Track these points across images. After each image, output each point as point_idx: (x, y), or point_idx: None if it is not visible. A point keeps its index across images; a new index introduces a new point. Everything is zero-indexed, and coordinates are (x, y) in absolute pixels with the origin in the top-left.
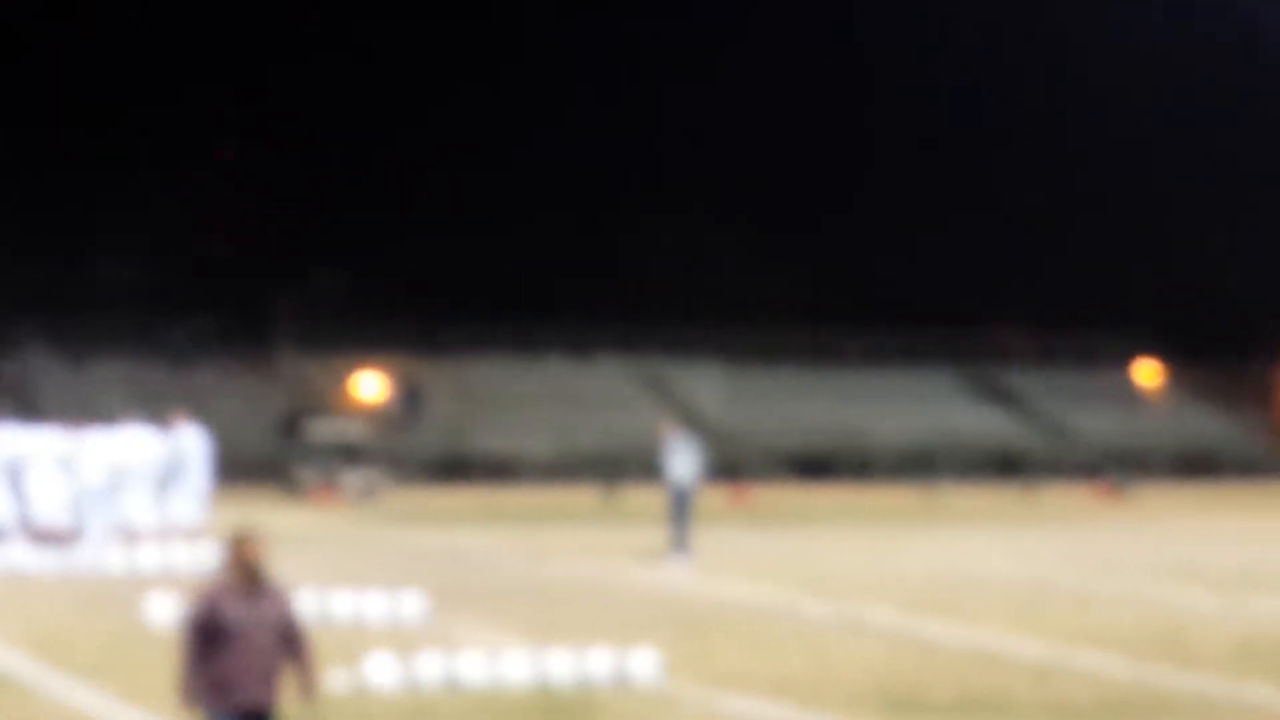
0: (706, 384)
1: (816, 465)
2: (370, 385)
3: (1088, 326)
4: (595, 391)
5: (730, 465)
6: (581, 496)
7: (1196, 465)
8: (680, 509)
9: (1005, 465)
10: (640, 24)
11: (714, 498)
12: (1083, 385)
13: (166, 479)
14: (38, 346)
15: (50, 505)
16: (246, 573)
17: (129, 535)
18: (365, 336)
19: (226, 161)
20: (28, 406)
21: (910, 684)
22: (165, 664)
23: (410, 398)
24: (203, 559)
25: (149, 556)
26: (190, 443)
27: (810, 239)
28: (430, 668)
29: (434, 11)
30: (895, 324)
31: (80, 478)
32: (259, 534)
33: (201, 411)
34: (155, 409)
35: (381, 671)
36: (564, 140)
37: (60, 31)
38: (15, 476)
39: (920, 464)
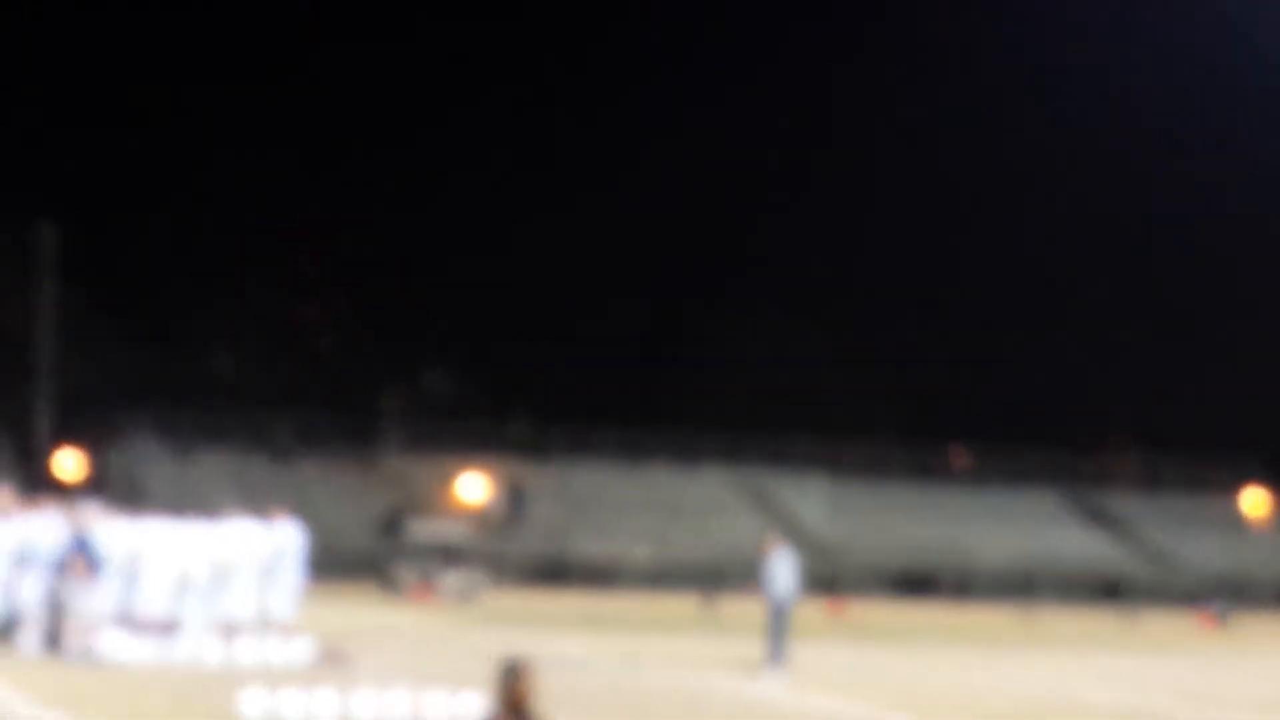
0: (809, 497)
1: (916, 582)
2: (473, 486)
3: (1195, 453)
4: (697, 500)
5: (829, 579)
6: (680, 604)
7: None
8: (779, 621)
9: (1107, 589)
10: (740, 141)
11: (812, 611)
12: (1188, 511)
13: (265, 574)
14: (146, 438)
15: (153, 596)
16: (514, 705)
17: (227, 629)
18: (470, 438)
19: (337, 262)
20: (135, 496)
21: None
22: None
23: (512, 500)
24: (296, 654)
25: (246, 650)
26: (289, 538)
27: (918, 356)
28: None
29: (535, 126)
30: (1001, 443)
31: (184, 569)
32: (529, 667)
33: (304, 507)
34: (258, 502)
35: None
36: (672, 256)
37: (171, 129)
38: (122, 566)
39: (1021, 585)
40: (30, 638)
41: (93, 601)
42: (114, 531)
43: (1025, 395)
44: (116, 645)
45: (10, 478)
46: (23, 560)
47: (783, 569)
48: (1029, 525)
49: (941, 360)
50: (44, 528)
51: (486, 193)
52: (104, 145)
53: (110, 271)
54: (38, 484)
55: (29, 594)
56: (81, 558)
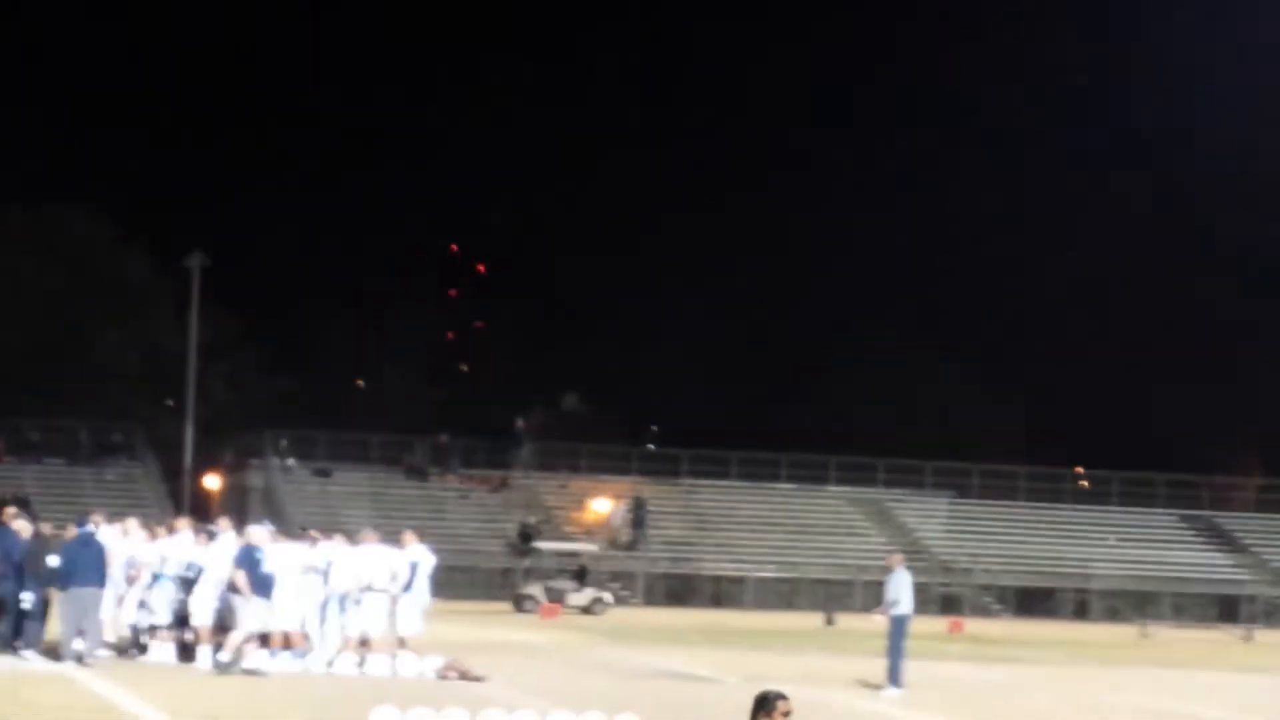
0: (931, 516)
1: (1035, 600)
2: (602, 506)
3: None
4: (821, 519)
5: (950, 597)
6: (803, 621)
7: None
8: (899, 639)
9: (1224, 609)
10: (872, 176)
11: (932, 629)
12: None
13: (397, 593)
14: (286, 458)
15: (291, 612)
16: None
17: (361, 645)
18: (601, 458)
19: (476, 286)
20: (275, 514)
21: None
22: None
23: (641, 519)
24: (425, 669)
25: (378, 667)
26: (419, 559)
27: (1041, 378)
28: None
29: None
30: (1122, 465)
31: (322, 587)
32: (787, 702)
33: (439, 525)
34: (395, 521)
35: None
36: (803, 282)
37: (316, 161)
38: (263, 583)
39: (1139, 603)
40: (168, 650)
41: (251, 617)
42: (272, 552)
43: (1147, 417)
44: (255, 660)
45: (158, 498)
46: (177, 577)
47: (903, 587)
48: (1147, 544)
49: (1064, 382)
50: (210, 546)
51: (620, 217)
52: (253, 176)
53: (253, 298)
54: (183, 504)
55: (163, 607)
56: (246, 574)
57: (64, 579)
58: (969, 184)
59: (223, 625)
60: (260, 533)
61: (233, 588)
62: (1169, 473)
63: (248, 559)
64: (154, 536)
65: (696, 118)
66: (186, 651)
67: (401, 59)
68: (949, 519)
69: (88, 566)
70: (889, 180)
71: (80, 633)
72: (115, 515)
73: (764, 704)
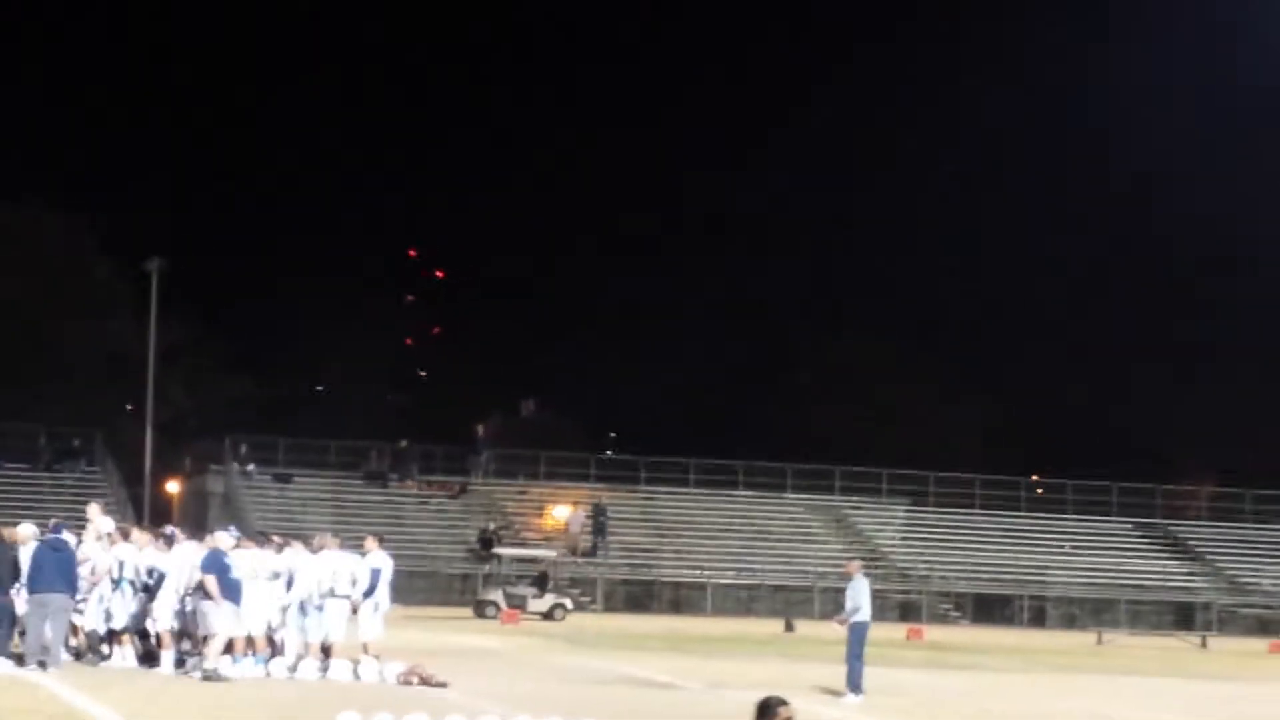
0: (889, 524)
1: (992, 606)
2: (561, 512)
3: (1269, 483)
4: (780, 526)
5: (908, 604)
6: (763, 627)
7: None
8: (858, 645)
9: (1180, 616)
10: (816, 175)
11: (891, 635)
12: (1261, 540)
13: (358, 598)
14: (245, 463)
15: (254, 617)
16: None
17: (323, 651)
18: (560, 465)
19: (434, 293)
20: (235, 519)
21: None
22: None
23: (600, 525)
24: (387, 675)
25: (340, 672)
26: (380, 565)
27: (997, 387)
28: None
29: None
30: (1078, 473)
31: (284, 592)
32: (788, 708)
33: (398, 531)
34: (354, 526)
35: None
36: (763, 291)
37: (272, 168)
38: (233, 588)
39: (1095, 611)
40: (129, 655)
41: (224, 623)
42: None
43: (1102, 426)
44: (218, 665)
45: (118, 503)
46: (137, 582)
47: (863, 594)
48: (1104, 553)
49: (1020, 391)
50: (170, 551)
51: (575, 221)
52: (212, 180)
53: (213, 302)
54: (143, 509)
55: (123, 612)
56: (213, 579)
57: (31, 583)
58: (928, 189)
59: (184, 631)
60: (226, 538)
61: (204, 593)
62: (1124, 481)
63: (217, 564)
64: (112, 542)
65: (654, 114)
66: (149, 657)
67: (359, 66)
68: (906, 526)
69: (55, 572)
70: (845, 184)
71: (44, 638)
72: (76, 521)
73: (766, 711)
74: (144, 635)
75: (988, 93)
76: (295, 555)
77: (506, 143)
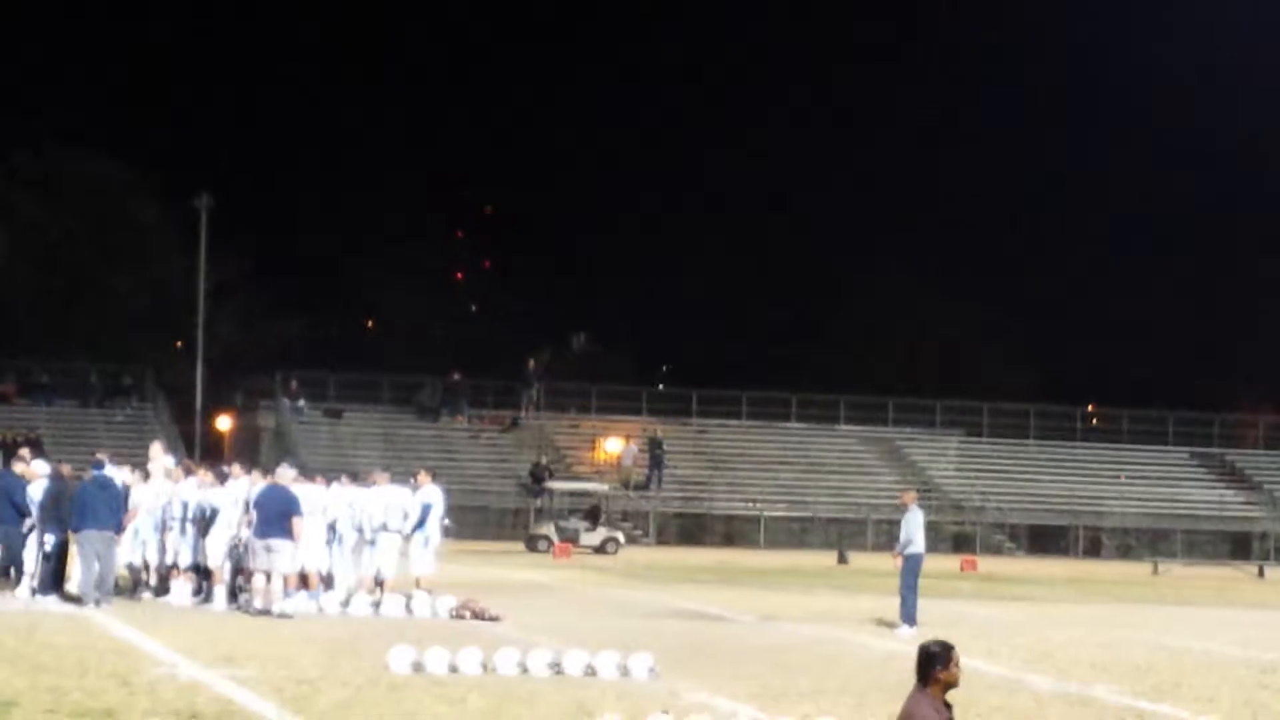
0: (943, 455)
1: (1047, 538)
2: (613, 446)
3: None
4: (834, 458)
5: (962, 536)
6: (816, 560)
7: None
8: (913, 578)
9: (1236, 546)
10: (867, 107)
11: (945, 567)
12: None
13: (410, 533)
14: (297, 399)
15: (306, 553)
16: (948, 688)
17: (377, 585)
18: (612, 398)
19: (485, 226)
20: (286, 455)
21: None
22: (402, 714)
23: (655, 459)
24: (440, 610)
25: (393, 606)
26: (430, 499)
27: (1052, 317)
28: None
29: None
30: (1133, 403)
31: (335, 528)
32: (956, 650)
33: (450, 465)
34: (406, 461)
35: None
36: (812, 221)
37: (321, 100)
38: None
39: (1151, 541)
40: (184, 589)
41: (291, 560)
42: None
43: (1157, 355)
44: (272, 600)
45: (170, 440)
46: (187, 518)
47: (917, 526)
48: (1160, 482)
49: (1074, 321)
50: (223, 488)
51: (634, 157)
52: (256, 115)
53: (261, 239)
54: (195, 446)
55: (180, 549)
56: (299, 519)
57: (78, 521)
58: (977, 120)
59: (238, 567)
60: (288, 473)
61: (274, 530)
62: (1180, 410)
63: (292, 501)
64: (175, 479)
65: (693, 56)
66: (202, 593)
67: None
68: (960, 458)
69: (103, 509)
70: (897, 117)
71: (96, 574)
72: (127, 457)
73: (938, 657)
74: (200, 571)
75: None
76: (346, 490)
77: (555, 75)
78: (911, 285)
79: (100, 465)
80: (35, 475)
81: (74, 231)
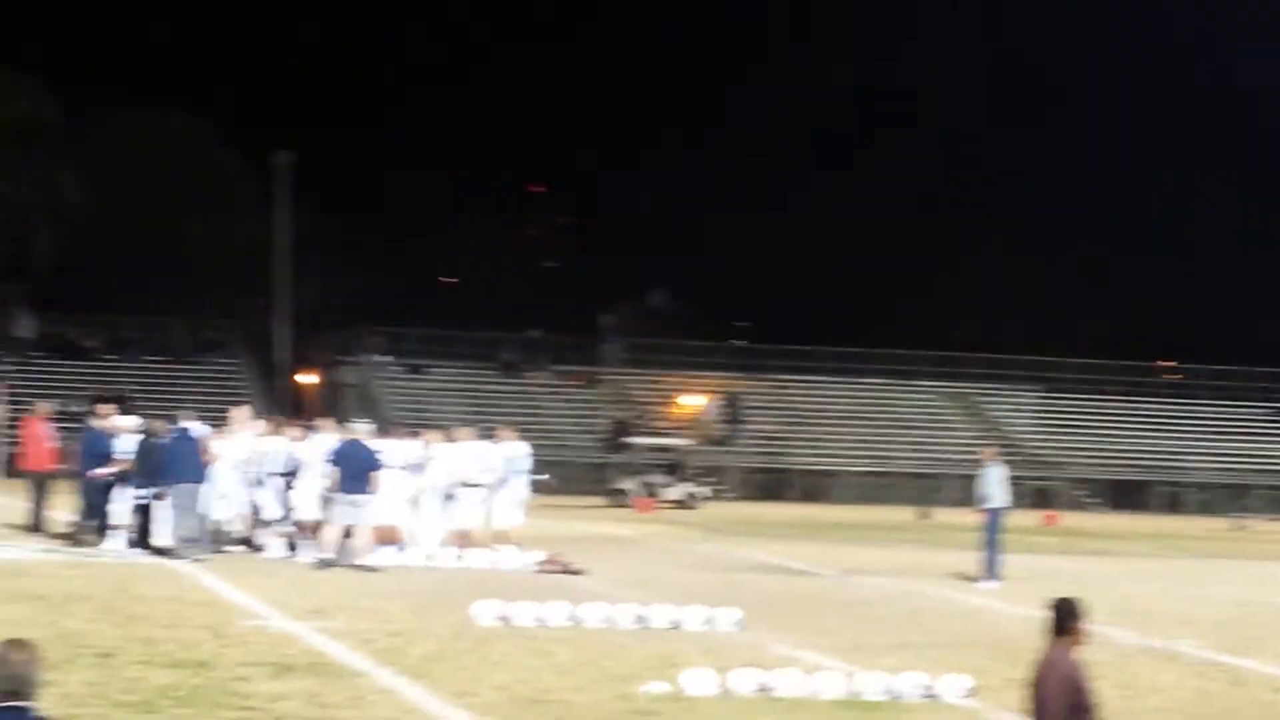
0: (1022, 410)
1: (1128, 493)
2: (693, 401)
3: None
4: (912, 413)
5: (1043, 491)
6: (896, 515)
7: None
8: (994, 533)
9: None
10: (947, 61)
11: (1026, 522)
12: None
13: (494, 488)
14: (380, 355)
15: (389, 507)
16: (1081, 641)
17: (461, 539)
18: (691, 354)
19: (564, 182)
20: (369, 410)
21: (1217, 716)
22: (490, 666)
23: (732, 414)
24: (524, 563)
25: (478, 559)
26: (514, 454)
27: (1131, 272)
28: (744, 684)
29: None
30: (1211, 358)
31: (419, 482)
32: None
33: (531, 421)
34: (488, 416)
35: (698, 685)
36: (891, 175)
37: (402, 55)
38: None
39: (1232, 497)
40: (275, 544)
41: (366, 513)
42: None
43: (1236, 310)
44: (359, 554)
45: (255, 394)
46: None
47: (997, 482)
48: (1241, 438)
49: (1153, 276)
50: (308, 442)
51: (710, 114)
52: (338, 71)
53: (343, 195)
54: (278, 402)
55: (270, 503)
56: (378, 474)
57: (167, 475)
58: (1059, 72)
59: (327, 520)
60: (363, 428)
61: (366, 485)
62: (1261, 366)
63: (368, 457)
64: (266, 434)
65: (774, 15)
66: (290, 546)
67: None
68: (1039, 413)
69: (190, 462)
70: (978, 72)
71: (185, 527)
72: (212, 413)
73: (1074, 613)
74: (290, 525)
75: None
76: (430, 445)
77: (625, 25)
78: (991, 239)
79: (180, 420)
80: (121, 429)
81: (159, 188)
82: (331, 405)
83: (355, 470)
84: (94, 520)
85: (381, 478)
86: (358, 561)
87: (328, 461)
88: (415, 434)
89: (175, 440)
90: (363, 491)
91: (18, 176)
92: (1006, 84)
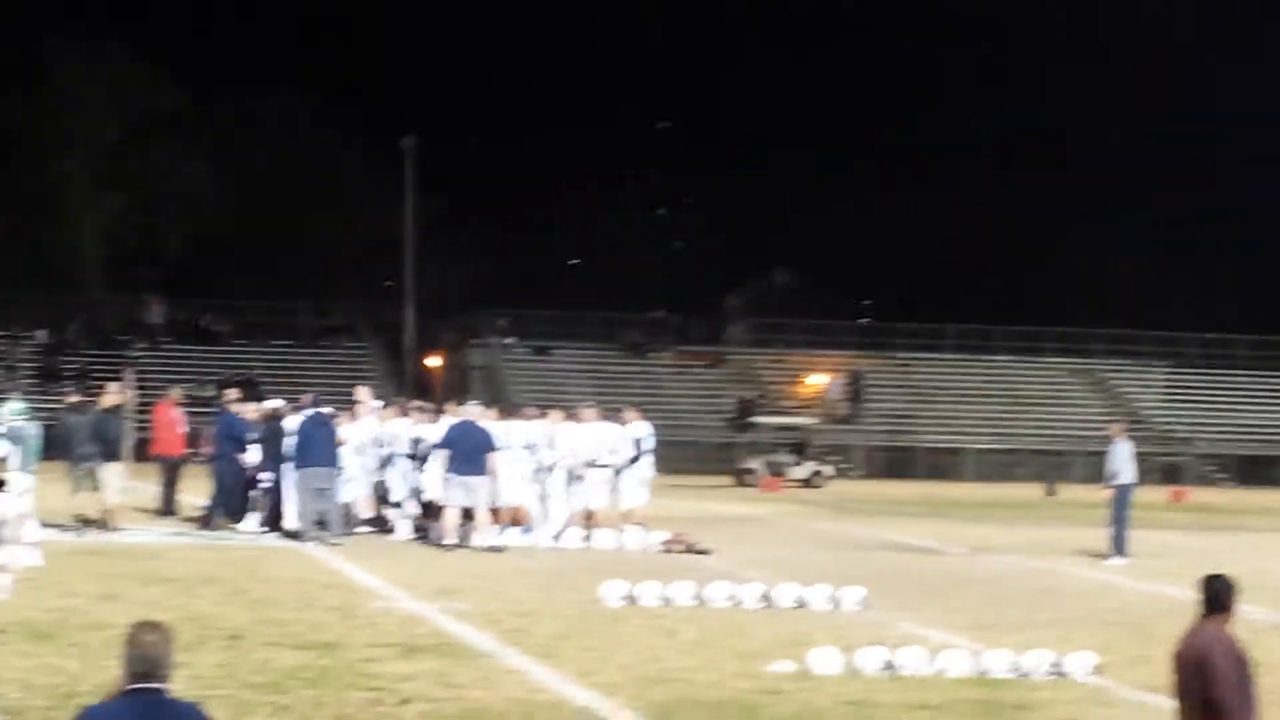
0: (1149, 386)
1: (1259, 468)
2: (818, 380)
3: None
4: (1039, 390)
5: (1172, 467)
6: (1023, 492)
7: None
8: (1122, 509)
9: None
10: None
11: (1155, 498)
12: None
13: (620, 468)
14: (506, 337)
15: (515, 489)
16: (1234, 619)
17: (587, 519)
18: (816, 333)
19: (687, 164)
20: (495, 392)
21: None
22: (616, 645)
23: (857, 392)
24: (649, 542)
25: (604, 540)
26: (639, 434)
27: (1257, 246)
28: (870, 663)
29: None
30: None
31: (545, 463)
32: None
33: (656, 401)
34: (613, 397)
35: (823, 664)
36: (1015, 155)
37: (522, 43)
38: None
39: None
40: (403, 525)
41: (478, 495)
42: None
43: None
44: (482, 535)
45: (382, 378)
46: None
47: (1125, 458)
48: None
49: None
50: (437, 424)
51: (831, 91)
52: (464, 59)
53: (469, 178)
54: (405, 386)
55: (399, 485)
56: (495, 455)
57: (299, 458)
58: (1189, 48)
59: (428, 504)
60: (474, 410)
61: (481, 466)
62: None
63: (483, 436)
64: (353, 418)
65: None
66: (417, 528)
67: None
68: (1167, 388)
69: (322, 446)
70: (1101, 49)
71: (316, 510)
72: (338, 398)
73: (1230, 590)
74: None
75: None
76: (556, 426)
77: (764, 11)
78: (1116, 214)
79: (316, 402)
80: (253, 413)
81: (284, 174)
82: (458, 388)
83: (468, 452)
84: (226, 504)
85: (497, 458)
86: (480, 543)
87: (440, 444)
88: (541, 415)
89: (309, 422)
90: (476, 473)
91: (148, 166)
92: (1125, 58)
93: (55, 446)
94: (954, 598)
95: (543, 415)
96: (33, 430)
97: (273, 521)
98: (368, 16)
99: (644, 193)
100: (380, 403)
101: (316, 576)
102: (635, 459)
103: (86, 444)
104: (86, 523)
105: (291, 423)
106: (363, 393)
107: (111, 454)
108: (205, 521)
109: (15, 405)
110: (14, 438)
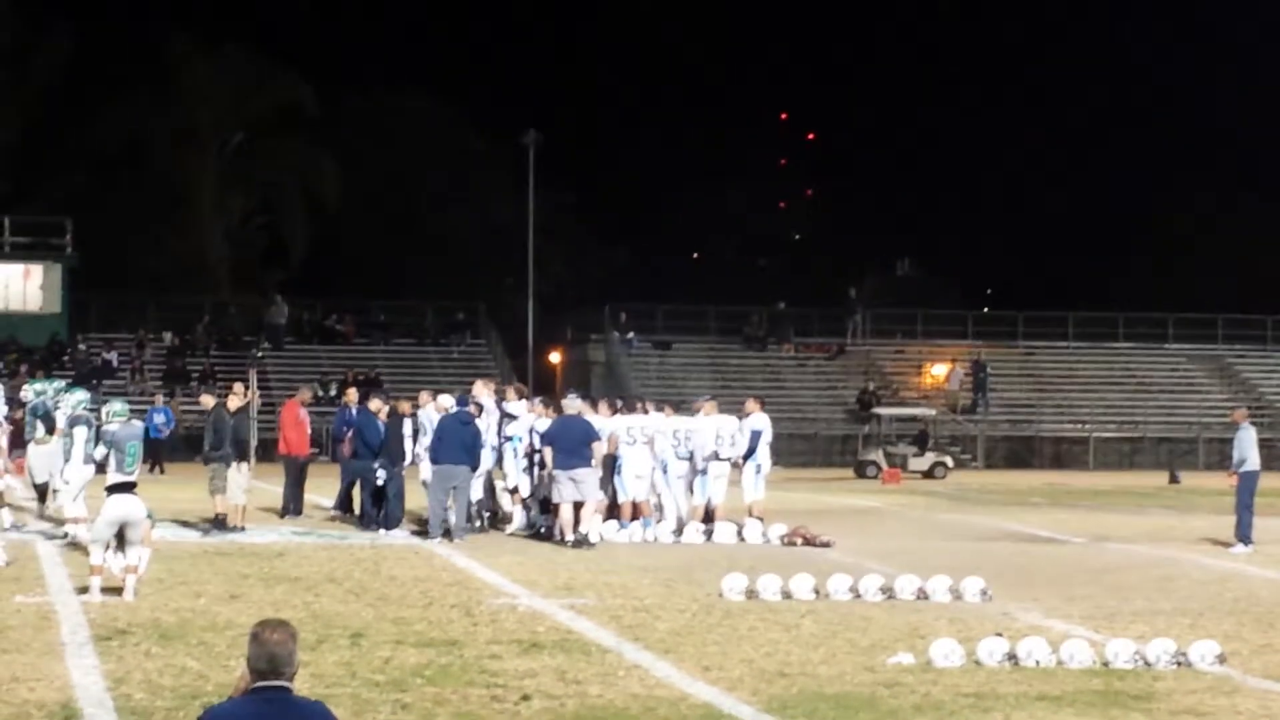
0: (1274, 371)
1: None
2: (939, 370)
3: None
4: (1162, 377)
5: None
6: (1147, 480)
7: None
8: (1248, 496)
9: None
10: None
11: (1278, 486)
12: None
13: (740, 461)
14: (626, 331)
15: (636, 483)
16: None
17: (707, 513)
18: (937, 323)
19: (805, 155)
20: (616, 387)
21: None
22: (737, 640)
23: (980, 382)
24: (770, 536)
25: (724, 534)
26: (759, 427)
27: None
28: (991, 654)
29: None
30: None
31: (663, 457)
32: None
33: (777, 393)
34: (734, 391)
35: (945, 656)
36: (1133, 138)
37: (658, 43)
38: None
39: None
40: (519, 517)
41: (587, 488)
42: (600, 423)
43: None
44: (600, 530)
45: (504, 374)
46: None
47: (1250, 444)
48: None
49: None
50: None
51: (951, 82)
52: (584, 53)
53: (589, 173)
54: (528, 381)
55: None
56: (600, 446)
57: (435, 455)
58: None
59: (545, 500)
60: (574, 404)
61: (587, 459)
62: None
63: (586, 429)
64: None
65: None
66: (533, 524)
67: None
68: None
69: (459, 444)
70: (1213, 32)
71: (446, 509)
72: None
73: None
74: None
75: None
76: (675, 420)
77: (885, 13)
78: (1240, 198)
79: (464, 400)
80: (377, 412)
81: (404, 171)
82: (579, 383)
83: (571, 445)
84: (351, 503)
85: (600, 448)
86: (594, 537)
87: (544, 441)
88: (661, 408)
89: (450, 419)
90: (582, 466)
91: (276, 165)
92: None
93: (191, 448)
94: (1075, 587)
95: (662, 409)
96: (130, 432)
97: (394, 519)
98: (490, 11)
99: (765, 184)
100: (523, 401)
101: (439, 574)
102: (751, 451)
103: (220, 444)
104: (211, 523)
105: (429, 418)
106: (478, 387)
107: (239, 454)
108: (331, 520)
109: (115, 407)
110: (109, 441)
